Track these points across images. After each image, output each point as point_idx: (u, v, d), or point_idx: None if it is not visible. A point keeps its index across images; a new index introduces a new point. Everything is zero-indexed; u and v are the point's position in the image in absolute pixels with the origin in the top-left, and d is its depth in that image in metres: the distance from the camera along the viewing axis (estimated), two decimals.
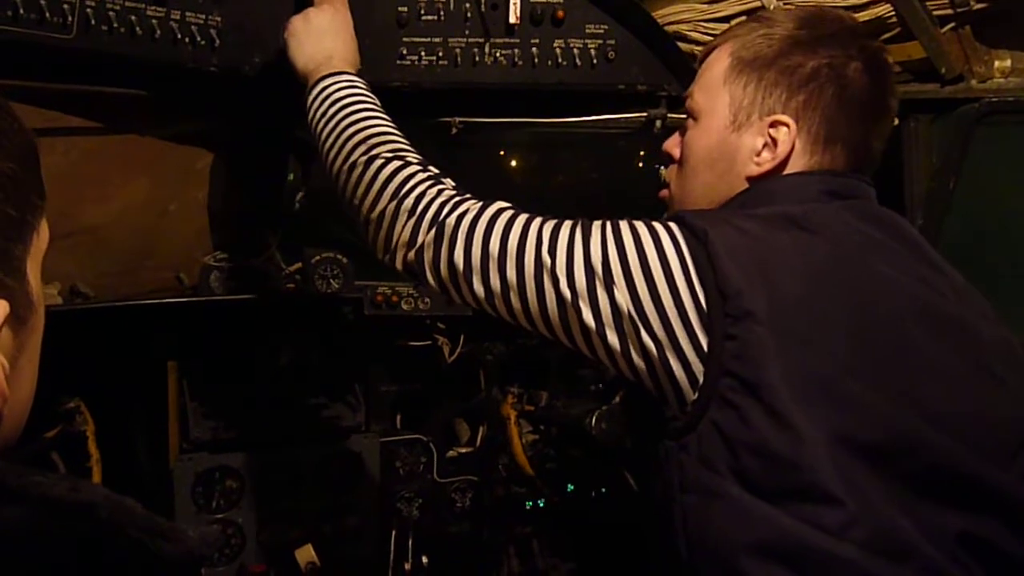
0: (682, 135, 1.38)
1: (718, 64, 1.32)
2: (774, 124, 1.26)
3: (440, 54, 1.71)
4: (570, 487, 2.21)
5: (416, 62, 1.71)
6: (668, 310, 1.10)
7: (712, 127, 1.31)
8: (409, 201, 1.28)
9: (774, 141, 1.25)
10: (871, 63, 1.27)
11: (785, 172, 1.26)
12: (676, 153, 1.39)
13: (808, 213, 1.17)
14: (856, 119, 1.25)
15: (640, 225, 1.17)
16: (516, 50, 1.74)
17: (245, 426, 1.99)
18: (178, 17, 1.51)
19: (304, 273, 1.98)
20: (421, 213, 1.27)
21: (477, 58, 1.73)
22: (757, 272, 1.08)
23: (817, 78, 1.25)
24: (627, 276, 1.12)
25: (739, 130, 1.28)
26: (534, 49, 1.75)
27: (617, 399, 2.17)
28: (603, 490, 2.23)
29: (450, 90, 1.76)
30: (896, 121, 1.70)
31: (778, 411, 1.03)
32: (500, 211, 1.25)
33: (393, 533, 2.09)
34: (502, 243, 1.21)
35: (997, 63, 1.85)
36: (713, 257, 1.09)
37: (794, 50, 1.26)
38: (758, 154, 1.27)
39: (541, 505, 2.24)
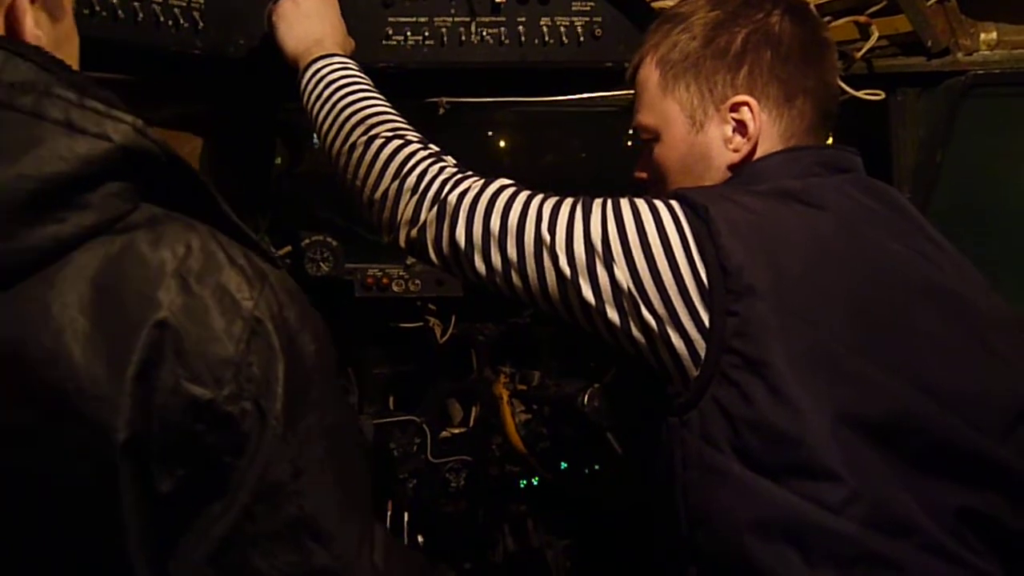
0: (647, 157, 1.37)
1: (650, 79, 1.33)
2: (734, 107, 1.26)
3: (426, 34, 1.70)
4: (564, 465, 2.22)
5: (402, 42, 1.70)
6: (668, 286, 1.10)
7: (675, 138, 1.31)
8: (411, 179, 1.28)
9: (741, 123, 1.26)
10: (788, 9, 1.28)
11: (764, 144, 1.26)
12: (647, 176, 1.39)
13: (809, 187, 1.17)
14: (804, 66, 1.27)
15: (641, 202, 1.17)
16: (502, 28, 1.72)
17: None
18: (160, 0, 1.49)
19: (294, 257, 1.97)
20: (423, 191, 1.27)
21: (463, 37, 1.72)
22: (759, 247, 1.09)
23: (750, 47, 1.26)
24: (626, 253, 1.12)
25: (702, 128, 1.29)
26: (520, 27, 1.73)
27: (609, 378, 2.18)
28: (596, 467, 2.24)
29: (437, 70, 1.75)
30: (882, 95, 1.72)
31: (779, 388, 1.03)
32: (501, 188, 1.25)
33: (388, 514, 2.10)
34: (502, 221, 1.21)
35: (983, 36, 1.84)
36: (714, 233, 1.09)
37: (717, 33, 1.27)
38: (730, 141, 1.27)
39: (535, 483, 2.25)
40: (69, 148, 0.72)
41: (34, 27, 0.83)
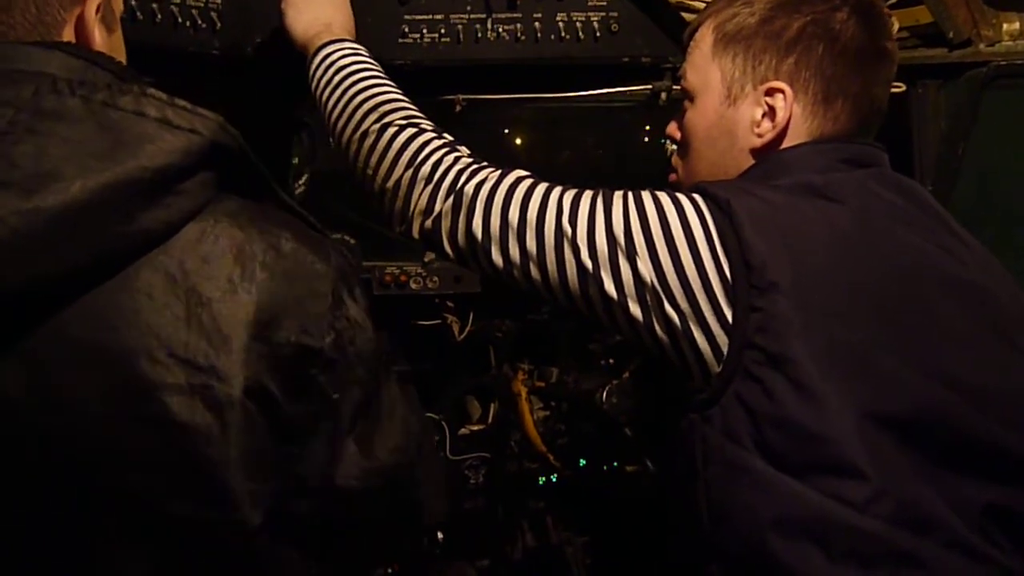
0: (681, 116, 1.36)
1: (704, 41, 1.31)
2: (769, 92, 1.24)
3: (442, 31, 1.70)
4: (582, 462, 2.22)
5: (418, 40, 1.70)
6: (692, 281, 1.09)
7: (708, 105, 1.30)
8: (426, 168, 1.26)
9: (772, 109, 1.24)
10: (858, 8, 1.24)
11: (791, 138, 1.24)
12: (677, 136, 1.38)
13: (831, 183, 1.16)
14: (853, 71, 1.23)
15: (663, 195, 1.15)
16: (519, 25, 1.72)
17: None
18: (179, 0, 1.50)
19: None
20: (439, 180, 1.25)
21: (480, 34, 1.72)
22: (782, 243, 1.07)
23: (804, 37, 1.23)
24: (650, 246, 1.11)
25: (735, 103, 1.27)
26: (537, 23, 1.73)
27: (627, 374, 2.18)
28: (615, 464, 2.24)
29: (453, 67, 1.75)
30: (903, 87, 1.70)
31: (803, 384, 1.02)
32: (519, 179, 1.24)
33: None
34: (521, 212, 1.19)
35: (1005, 26, 1.82)
36: (737, 227, 1.08)
37: (776, 14, 1.24)
38: (758, 124, 1.25)
39: (554, 480, 2.25)
40: (171, 143, 0.84)
41: (100, 39, 0.97)
